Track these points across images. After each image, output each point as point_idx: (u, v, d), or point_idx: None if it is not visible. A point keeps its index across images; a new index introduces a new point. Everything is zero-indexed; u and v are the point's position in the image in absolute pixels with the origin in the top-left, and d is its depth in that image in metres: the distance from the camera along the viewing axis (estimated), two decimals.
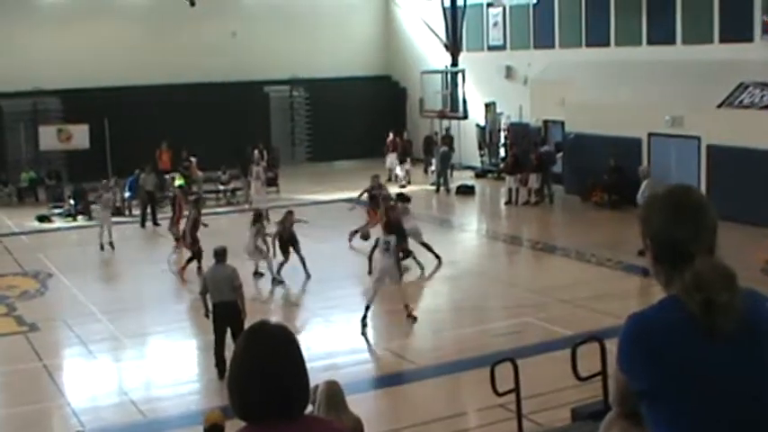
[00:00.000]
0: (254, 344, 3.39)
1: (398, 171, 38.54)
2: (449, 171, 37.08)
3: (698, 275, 3.11)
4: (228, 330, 15.59)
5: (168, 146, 36.82)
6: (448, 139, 39.10)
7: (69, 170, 36.09)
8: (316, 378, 10.10)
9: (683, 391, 3.09)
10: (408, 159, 38.81)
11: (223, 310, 15.85)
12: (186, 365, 17.70)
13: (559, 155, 33.99)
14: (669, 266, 3.24)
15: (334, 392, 9.43)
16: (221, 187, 35.65)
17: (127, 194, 33.63)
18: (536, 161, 32.74)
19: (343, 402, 9.57)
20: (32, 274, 24.62)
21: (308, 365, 3.41)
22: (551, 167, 33.31)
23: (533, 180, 32.59)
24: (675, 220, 3.23)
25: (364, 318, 18.59)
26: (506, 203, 33.02)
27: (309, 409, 9.18)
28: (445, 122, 39.90)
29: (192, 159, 35.82)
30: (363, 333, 18.47)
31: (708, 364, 3.08)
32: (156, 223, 30.53)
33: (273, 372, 3.31)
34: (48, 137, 36.82)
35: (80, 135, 36.66)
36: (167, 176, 35.82)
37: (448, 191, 35.79)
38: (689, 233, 3.21)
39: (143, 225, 30.86)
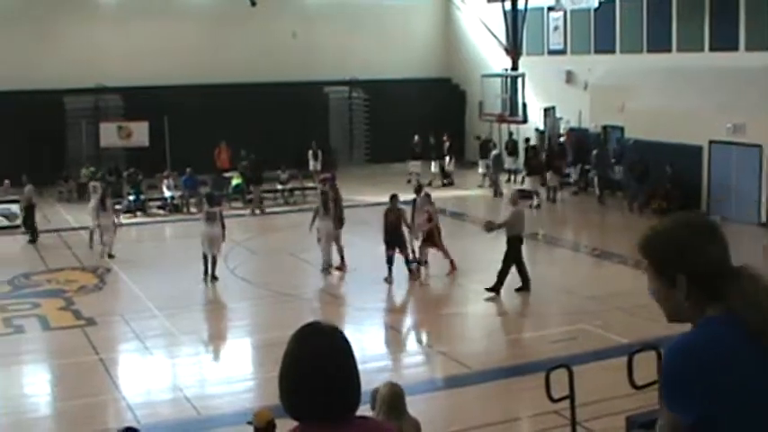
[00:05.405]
0: (308, 343, 3.36)
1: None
2: (500, 175, 37.11)
3: (759, 293, 3.09)
4: None
5: (227, 144, 37.13)
6: (510, 144, 39.16)
7: (129, 167, 36.36)
8: (372, 380, 10.14)
9: (740, 415, 3.01)
10: (452, 160, 39.45)
11: None
12: (241, 363, 17.81)
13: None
14: (705, 294, 3.21)
15: (395, 395, 9.19)
16: (279, 187, 35.80)
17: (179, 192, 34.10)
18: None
19: (404, 405, 9.33)
20: (91, 268, 24.91)
21: (362, 367, 3.38)
22: (608, 170, 33.48)
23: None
24: (712, 242, 3.26)
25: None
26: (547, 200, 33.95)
27: (369, 411, 9.08)
28: (509, 127, 39.80)
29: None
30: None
31: (765, 384, 3.01)
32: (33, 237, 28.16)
33: (327, 371, 3.29)
34: (108, 134, 37.33)
35: (140, 132, 37.13)
36: (226, 175, 36.14)
37: (501, 194, 35.52)
38: (724, 252, 3.25)
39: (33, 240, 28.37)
